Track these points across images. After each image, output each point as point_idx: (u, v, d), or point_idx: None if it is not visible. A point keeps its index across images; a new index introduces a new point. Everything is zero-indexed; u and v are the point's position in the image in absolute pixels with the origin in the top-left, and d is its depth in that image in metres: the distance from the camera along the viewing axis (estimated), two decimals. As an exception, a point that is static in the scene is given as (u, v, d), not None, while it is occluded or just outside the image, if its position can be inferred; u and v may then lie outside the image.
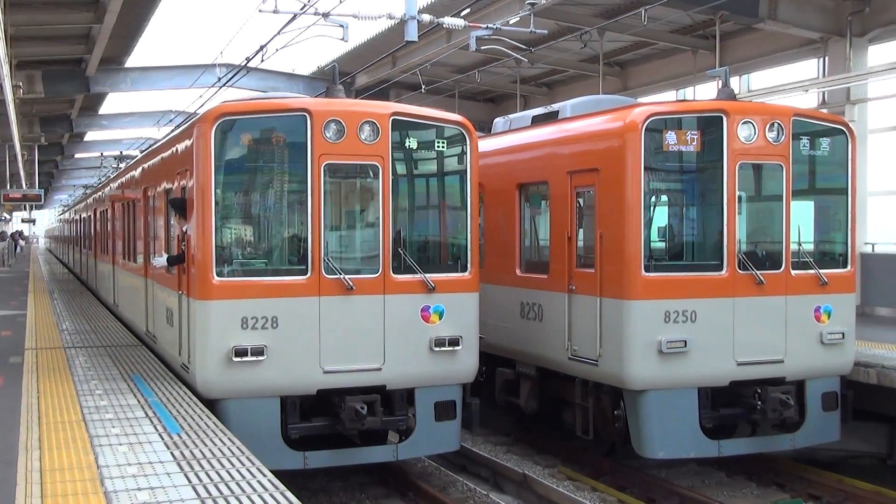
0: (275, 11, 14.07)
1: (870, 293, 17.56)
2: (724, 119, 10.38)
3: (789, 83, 18.35)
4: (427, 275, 10.06)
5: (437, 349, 10.09)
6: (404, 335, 9.95)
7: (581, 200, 11.15)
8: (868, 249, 18.07)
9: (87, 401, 9.01)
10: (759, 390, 10.50)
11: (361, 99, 27.36)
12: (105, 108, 35.25)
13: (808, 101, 18.80)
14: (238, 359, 9.33)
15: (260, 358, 9.39)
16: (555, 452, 12.67)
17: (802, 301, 10.73)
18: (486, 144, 14.05)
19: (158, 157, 12.64)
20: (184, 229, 10.18)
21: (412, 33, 14.48)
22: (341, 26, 14.34)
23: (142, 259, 13.70)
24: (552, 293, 11.47)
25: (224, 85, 22.38)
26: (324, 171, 9.70)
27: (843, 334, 10.94)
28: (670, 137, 10.28)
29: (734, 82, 20.24)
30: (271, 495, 5.87)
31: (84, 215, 29.13)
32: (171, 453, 6.95)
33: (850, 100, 18.10)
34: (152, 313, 12.60)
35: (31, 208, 58.93)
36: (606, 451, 11.86)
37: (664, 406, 10.23)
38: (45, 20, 19.62)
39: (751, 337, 10.47)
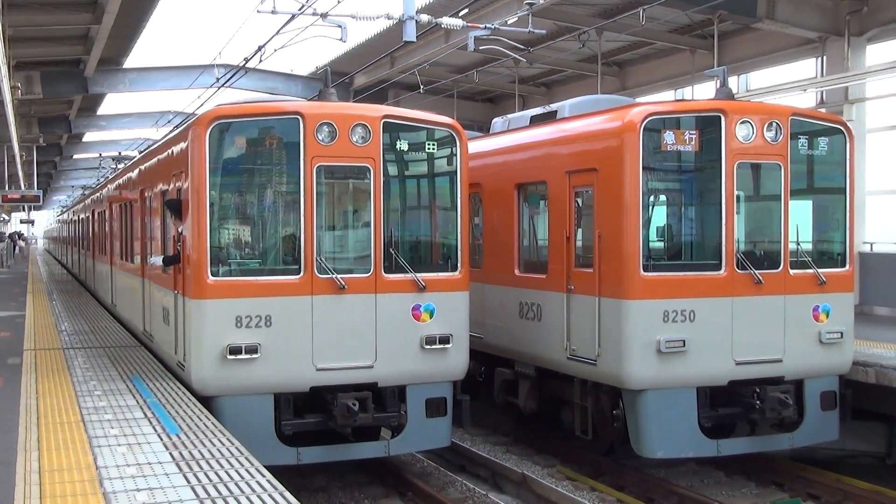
0: (273, 12, 14.07)
1: (868, 292, 17.58)
2: (723, 119, 10.39)
3: (787, 83, 18.37)
4: (418, 274, 10.27)
5: (427, 347, 10.30)
6: (396, 333, 10.14)
7: (579, 200, 11.16)
8: (866, 249, 18.09)
9: (86, 401, 9.01)
10: (758, 390, 10.50)
11: (360, 99, 27.53)
12: (103, 109, 35.26)
13: (806, 100, 18.81)
14: (232, 357, 9.52)
15: (254, 356, 9.58)
16: (554, 452, 12.67)
17: (801, 300, 10.74)
18: (484, 144, 14.06)
19: (155, 159, 12.80)
20: (179, 230, 10.36)
21: (410, 33, 14.48)
22: (339, 27, 14.34)
23: (139, 259, 13.85)
24: (551, 293, 11.47)
25: (222, 85, 22.38)
26: (316, 172, 9.91)
27: (842, 333, 10.95)
28: (668, 137, 10.29)
29: (732, 82, 20.22)
30: (270, 495, 5.87)
31: (82, 216, 29.20)
32: (170, 454, 6.95)
33: (848, 99, 18.11)
34: (149, 313, 12.75)
35: (29, 209, 58.91)
36: (605, 450, 11.87)
37: (663, 406, 10.24)
38: (44, 21, 19.62)
39: (749, 336, 10.47)
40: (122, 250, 16.30)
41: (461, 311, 10.64)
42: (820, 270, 10.85)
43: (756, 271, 10.48)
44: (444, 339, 10.39)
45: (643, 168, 10.16)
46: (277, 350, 9.68)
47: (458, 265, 10.65)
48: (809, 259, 10.88)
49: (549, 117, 12.81)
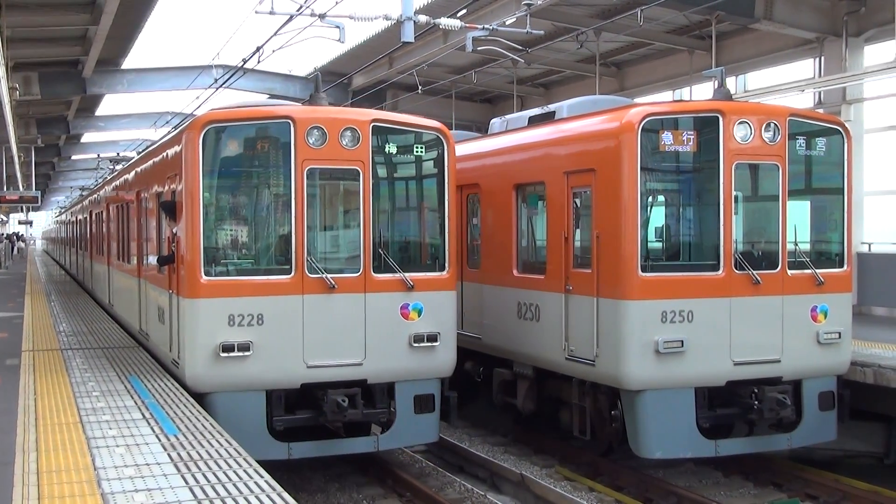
0: (271, 13, 14.08)
1: (866, 293, 17.60)
2: (721, 119, 10.40)
3: (785, 83, 18.36)
4: (406, 274, 10.53)
5: (416, 345, 10.54)
6: (384, 331, 10.40)
7: (578, 201, 11.16)
8: (864, 249, 18.10)
9: (85, 402, 9.01)
10: (756, 390, 10.50)
11: (359, 99, 27.55)
12: (102, 110, 35.26)
13: (804, 101, 18.83)
14: (225, 354, 9.78)
15: (246, 353, 9.84)
16: (552, 453, 12.68)
17: (799, 301, 10.75)
18: (482, 145, 14.08)
19: (150, 162, 13.03)
20: (174, 231, 10.59)
21: (408, 34, 14.48)
22: (338, 27, 14.35)
23: (135, 260, 14.05)
24: (549, 293, 11.48)
25: (221, 86, 22.38)
26: (307, 175, 10.18)
27: (840, 334, 10.95)
28: (666, 138, 10.29)
29: (730, 82, 20.27)
30: (268, 496, 5.87)
31: (80, 217, 29.30)
32: (168, 455, 6.95)
33: (846, 100, 18.13)
34: (145, 312, 12.97)
35: (27, 210, 58.88)
36: (603, 451, 11.87)
37: (661, 406, 10.24)
38: (42, 22, 19.61)
39: (747, 337, 10.48)
40: (119, 251, 16.51)
41: (449, 309, 10.90)
42: (818, 271, 10.86)
43: (754, 272, 10.48)
44: (432, 338, 10.62)
45: (641, 168, 10.17)
46: (269, 348, 9.92)
47: (446, 265, 10.90)
48: (807, 259, 10.89)
49: (548, 118, 12.81)
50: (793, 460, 11.93)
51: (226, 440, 7.46)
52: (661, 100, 22.80)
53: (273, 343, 9.94)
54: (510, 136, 13.42)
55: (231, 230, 10.46)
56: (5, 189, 36.38)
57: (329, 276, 10.15)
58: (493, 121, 14.79)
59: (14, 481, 6.22)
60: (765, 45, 20.05)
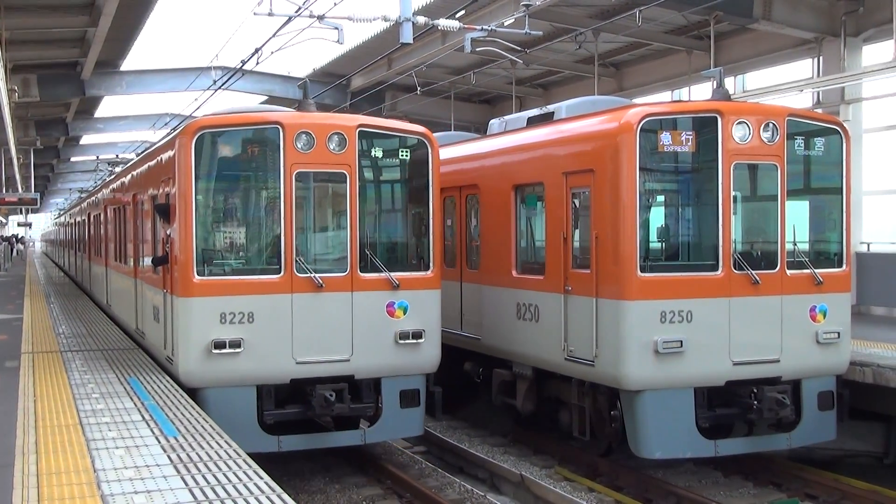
0: (269, 14, 14.09)
1: (865, 292, 17.60)
2: (719, 119, 10.40)
3: (784, 83, 18.37)
4: (392, 273, 10.92)
5: (401, 342, 10.92)
6: (371, 329, 10.79)
7: (577, 201, 11.16)
8: (863, 249, 18.11)
9: (84, 404, 9.01)
10: (756, 390, 10.51)
11: (358, 100, 27.56)
12: (101, 112, 35.27)
13: (802, 101, 18.83)
14: (217, 351, 10.15)
15: (237, 350, 10.22)
16: (552, 453, 12.68)
17: (798, 301, 10.75)
18: (481, 146, 14.08)
19: (145, 166, 13.41)
20: (167, 232, 11.03)
21: (407, 35, 14.49)
22: (336, 29, 14.35)
23: (132, 261, 14.43)
24: (548, 294, 11.48)
25: (220, 88, 22.39)
26: (295, 178, 10.58)
27: (839, 333, 10.96)
28: (665, 138, 10.29)
29: (729, 83, 20.27)
30: (268, 498, 5.87)
31: (78, 219, 29.43)
32: (168, 456, 6.96)
33: (844, 100, 18.14)
34: (141, 311, 13.36)
35: (27, 212, 58.84)
36: (603, 451, 11.87)
37: (661, 406, 10.25)
38: (41, 24, 19.64)
39: (747, 337, 10.48)
40: (116, 252, 16.87)
41: (433, 307, 11.24)
42: (817, 271, 10.86)
43: (753, 272, 10.49)
44: (417, 335, 11.00)
45: (640, 169, 10.17)
46: (259, 344, 10.30)
47: (430, 265, 11.26)
48: (806, 259, 10.89)
49: (547, 118, 12.81)
50: (792, 460, 11.93)
51: (225, 441, 7.46)
52: (659, 100, 22.80)
53: (263, 340, 10.30)
54: (509, 136, 13.42)
55: (222, 231, 10.81)
56: (4, 191, 36.39)
57: (317, 275, 10.52)
58: (491, 121, 14.79)
59: (14, 483, 6.22)
60: (763, 46, 20.05)
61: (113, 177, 20.22)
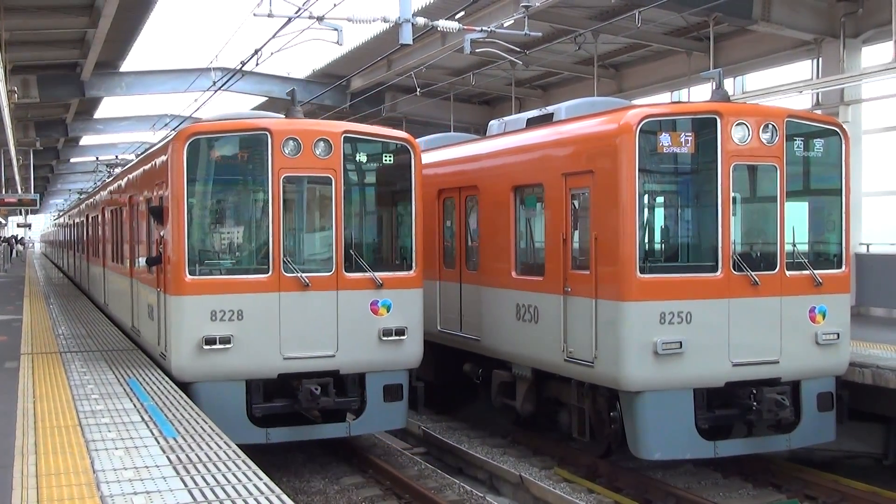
0: (269, 15, 14.09)
1: (865, 293, 17.60)
2: (719, 120, 10.41)
3: (783, 84, 18.35)
4: (375, 273, 11.38)
5: (385, 338, 11.39)
6: (355, 326, 11.24)
7: (576, 202, 11.17)
8: (863, 250, 18.11)
9: (83, 405, 9.01)
10: (755, 391, 10.51)
11: (357, 101, 27.56)
12: (100, 113, 35.28)
13: (802, 102, 18.83)
14: (208, 347, 10.61)
15: (227, 346, 10.67)
16: (551, 454, 12.68)
17: (797, 302, 10.75)
18: (481, 147, 14.09)
19: (141, 169, 13.85)
20: (161, 234, 11.47)
21: (406, 36, 14.49)
22: (336, 30, 14.35)
23: (128, 261, 14.83)
24: (548, 295, 11.48)
25: (219, 89, 22.38)
26: (283, 182, 11.05)
27: (838, 335, 10.96)
28: (664, 139, 10.30)
29: (728, 84, 20.29)
30: (267, 498, 5.87)
31: (77, 220, 29.54)
32: (167, 457, 6.96)
33: (843, 101, 18.14)
34: (137, 310, 13.79)
35: (26, 213, 58.84)
36: (602, 452, 11.87)
37: (660, 407, 10.25)
38: (40, 25, 19.64)
39: (746, 338, 10.48)
40: (114, 253, 17.28)
41: (415, 306, 11.71)
42: (816, 272, 10.87)
43: (752, 273, 10.49)
44: (400, 332, 11.46)
45: (639, 170, 10.17)
46: (248, 341, 10.76)
47: (413, 265, 11.77)
48: (806, 260, 10.90)
49: (546, 119, 12.81)
50: (792, 461, 11.94)
51: (224, 442, 7.46)
52: (659, 101, 22.81)
53: (252, 336, 10.76)
54: (508, 137, 13.42)
55: (213, 233, 11.34)
56: (4, 192, 36.40)
57: (304, 274, 10.98)
58: (491, 123, 14.78)
59: (13, 484, 6.22)
60: (763, 47, 20.05)
61: (110, 179, 20.60)
